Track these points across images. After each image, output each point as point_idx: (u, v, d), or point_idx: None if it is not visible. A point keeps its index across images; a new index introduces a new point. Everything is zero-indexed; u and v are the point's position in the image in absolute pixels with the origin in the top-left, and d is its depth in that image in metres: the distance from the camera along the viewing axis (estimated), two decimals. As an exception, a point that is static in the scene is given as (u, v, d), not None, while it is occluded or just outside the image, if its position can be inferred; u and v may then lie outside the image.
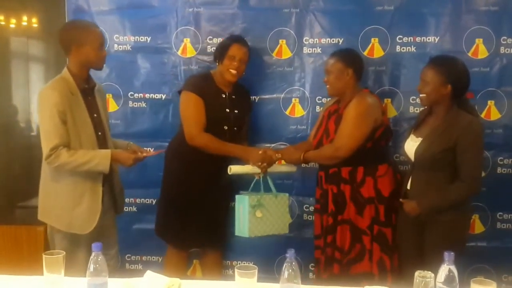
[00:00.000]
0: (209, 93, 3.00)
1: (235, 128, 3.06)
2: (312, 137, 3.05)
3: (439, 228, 2.58)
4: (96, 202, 2.55)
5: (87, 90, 2.60)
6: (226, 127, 3.02)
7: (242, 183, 3.01)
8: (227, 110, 3.04)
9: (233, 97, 3.08)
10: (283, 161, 3.00)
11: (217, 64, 3.06)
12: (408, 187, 2.69)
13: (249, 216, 2.81)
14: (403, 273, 2.75)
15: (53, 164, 2.43)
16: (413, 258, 2.67)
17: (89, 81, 2.63)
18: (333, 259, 2.85)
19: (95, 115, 2.59)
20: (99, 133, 2.59)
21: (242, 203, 2.86)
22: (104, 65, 3.27)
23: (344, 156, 2.79)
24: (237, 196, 2.90)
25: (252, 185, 2.92)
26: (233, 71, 2.97)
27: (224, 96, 3.05)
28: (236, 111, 3.06)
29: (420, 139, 2.65)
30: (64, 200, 2.53)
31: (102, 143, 2.59)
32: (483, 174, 3.13)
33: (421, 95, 2.65)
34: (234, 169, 2.85)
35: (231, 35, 3.14)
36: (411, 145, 2.68)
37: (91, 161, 2.46)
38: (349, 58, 2.90)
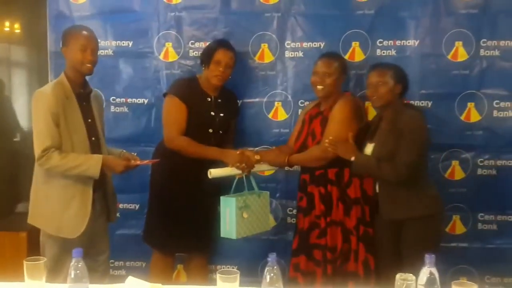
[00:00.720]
0: (193, 96, 3.01)
1: (220, 132, 3.06)
2: (293, 141, 3.06)
3: (413, 225, 2.64)
4: (86, 207, 2.54)
5: (83, 95, 2.61)
6: (211, 130, 3.02)
7: (227, 187, 2.99)
8: (212, 113, 3.04)
9: (219, 100, 3.08)
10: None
11: (203, 68, 3.06)
12: (377, 190, 2.78)
13: (237, 217, 2.81)
14: (381, 272, 2.81)
15: (44, 166, 2.44)
16: (390, 256, 2.73)
17: (85, 87, 2.64)
18: (326, 259, 2.86)
19: (89, 120, 2.60)
20: (93, 138, 2.60)
21: (229, 205, 2.85)
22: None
23: (333, 157, 2.81)
24: (222, 198, 2.89)
25: (233, 186, 2.91)
26: (219, 76, 2.98)
27: (209, 99, 3.05)
28: (221, 115, 3.06)
29: (373, 144, 2.74)
30: (54, 203, 2.53)
31: (95, 148, 2.60)
32: (463, 175, 3.21)
33: (373, 97, 2.71)
34: (214, 172, 2.84)
35: (217, 39, 3.14)
36: (367, 152, 2.76)
37: (82, 165, 2.46)
38: (345, 63, 2.96)
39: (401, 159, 2.59)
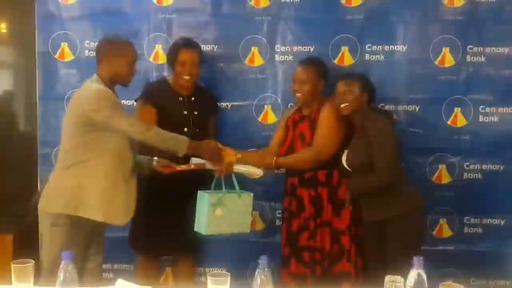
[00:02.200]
0: (163, 98, 3.03)
1: (196, 130, 3.05)
2: (276, 145, 3.08)
3: (395, 224, 2.70)
4: (132, 195, 2.67)
5: None
6: (186, 129, 3.01)
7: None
8: (185, 112, 3.05)
9: (192, 99, 3.09)
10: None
11: (171, 69, 3.08)
12: None
13: (208, 213, 2.79)
14: (368, 272, 2.87)
15: (147, 134, 2.58)
16: (376, 256, 2.79)
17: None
18: (315, 260, 2.88)
19: None
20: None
21: (202, 201, 2.84)
22: (75, 71, 3.32)
23: (325, 159, 2.86)
24: (198, 193, 2.87)
25: (213, 183, 2.89)
26: (186, 77, 3.00)
27: (181, 99, 3.07)
28: (195, 113, 3.07)
29: (346, 151, 2.83)
30: (101, 191, 2.57)
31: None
32: (449, 179, 3.24)
33: (342, 106, 2.79)
34: (195, 160, 2.85)
35: (180, 38, 3.12)
36: (343, 159, 2.84)
37: (173, 138, 2.67)
38: (323, 68, 2.99)
39: (379, 165, 2.67)
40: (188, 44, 3.03)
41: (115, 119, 2.55)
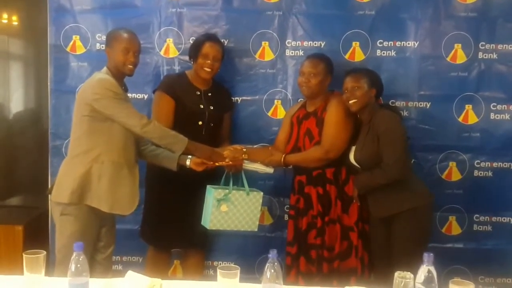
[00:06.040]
0: (181, 91, 3.05)
1: (211, 124, 3.08)
2: (283, 143, 3.08)
3: (403, 219, 2.70)
4: (135, 186, 2.70)
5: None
6: (200, 123, 3.04)
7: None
8: (201, 106, 3.07)
9: (209, 94, 3.11)
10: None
11: (191, 62, 3.09)
12: None
13: (213, 209, 2.81)
14: (374, 268, 2.89)
15: (149, 129, 2.61)
16: (383, 252, 2.79)
17: (124, 86, 2.78)
18: (323, 258, 2.88)
19: None
20: None
21: (209, 195, 2.87)
22: (86, 64, 3.34)
23: (334, 158, 2.86)
24: (207, 187, 2.91)
25: (223, 179, 2.92)
26: (207, 69, 3.02)
27: (198, 93, 3.09)
28: (211, 107, 3.08)
29: (354, 147, 2.83)
30: (106, 181, 2.59)
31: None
32: (459, 176, 3.23)
33: (351, 102, 2.77)
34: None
35: (204, 33, 3.17)
36: (351, 156, 2.84)
37: (173, 136, 2.70)
38: (330, 64, 2.98)
39: (387, 161, 2.67)
40: (213, 38, 3.07)
41: (115, 109, 2.58)
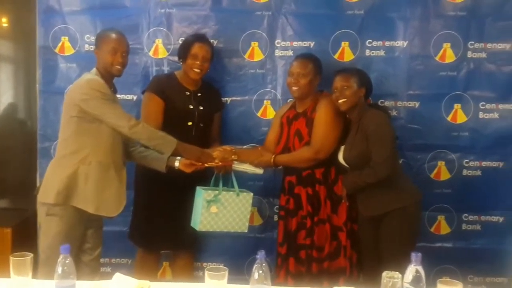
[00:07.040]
0: (171, 91, 3.04)
1: (201, 124, 3.07)
2: (272, 143, 3.08)
3: (391, 218, 2.70)
4: (122, 187, 2.68)
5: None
6: (190, 123, 3.04)
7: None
8: (191, 106, 3.06)
9: (199, 94, 3.11)
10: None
11: (181, 63, 3.08)
12: None
13: (202, 210, 2.80)
14: (363, 268, 2.89)
15: (137, 130, 2.60)
16: (371, 252, 2.79)
17: (113, 87, 2.76)
18: (312, 258, 2.89)
19: None
20: None
21: (198, 196, 2.86)
22: (75, 65, 3.32)
23: (324, 158, 2.87)
24: (196, 188, 2.90)
25: (212, 180, 2.91)
26: (197, 70, 3.01)
27: (188, 93, 3.08)
28: (201, 108, 3.08)
29: (343, 146, 2.84)
30: (93, 183, 2.58)
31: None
32: (448, 176, 3.24)
33: (340, 101, 2.77)
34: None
35: (193, 33, 3.16)
36: (340, 155, 2.85)
37: (161, 138, 2.69)
38: (319, 64, 2.98)
39: (376, 160, 2.67)
40: (202, 39, 3.07)
41: (103, 109, 2.57)
